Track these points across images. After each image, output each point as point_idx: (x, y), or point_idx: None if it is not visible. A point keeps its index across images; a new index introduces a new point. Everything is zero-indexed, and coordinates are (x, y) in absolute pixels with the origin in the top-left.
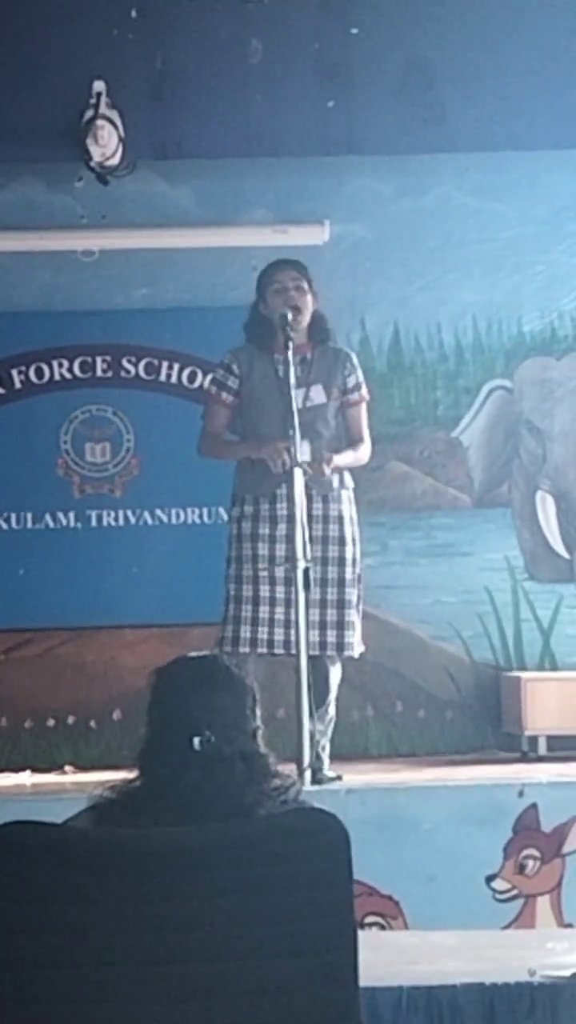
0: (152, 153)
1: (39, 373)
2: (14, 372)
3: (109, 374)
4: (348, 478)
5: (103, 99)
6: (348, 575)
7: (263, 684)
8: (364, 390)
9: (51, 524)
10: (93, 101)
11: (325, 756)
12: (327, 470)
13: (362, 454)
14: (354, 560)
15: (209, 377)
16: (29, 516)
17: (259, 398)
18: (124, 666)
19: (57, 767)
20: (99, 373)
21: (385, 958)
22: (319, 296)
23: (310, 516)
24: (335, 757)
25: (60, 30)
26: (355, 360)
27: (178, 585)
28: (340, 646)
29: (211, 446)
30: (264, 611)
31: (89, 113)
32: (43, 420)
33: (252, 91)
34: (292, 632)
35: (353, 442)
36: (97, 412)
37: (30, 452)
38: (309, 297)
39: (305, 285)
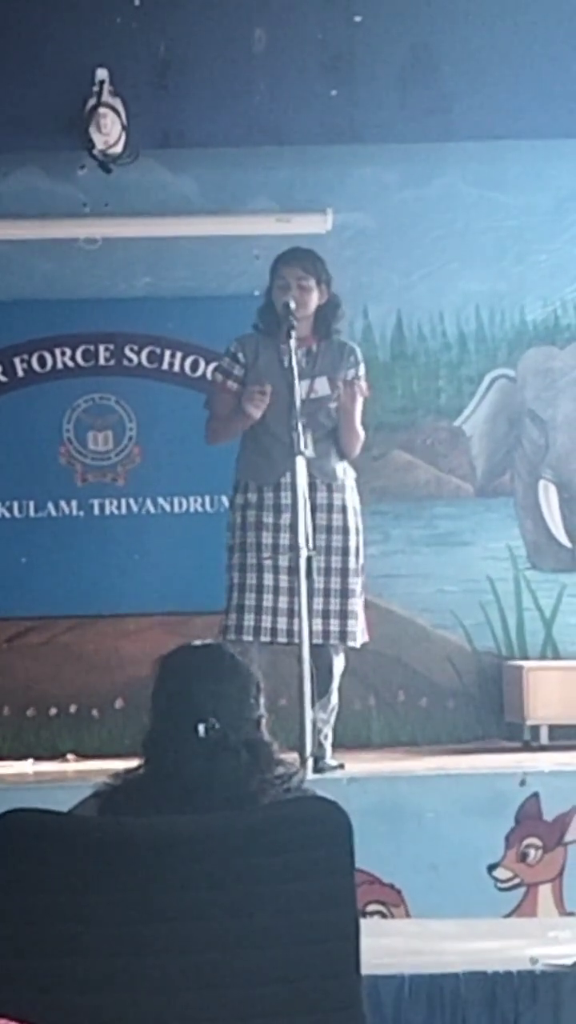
0: (155, 141)
1: (41, 361)
2: (16, 360)
3: (112, 362)
4: (350, 468)
5: (106, 87)
6: (351, 564)
7: (266, 673)
8: (363, 384)
9: (53, 512)
10: (96, 89)
11: (327, 745)
12: (361, 393)
13: (359, 444)
14: (357, 550)
15: (213, 365)
16: (31, 504)
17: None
18: (126, 655)
19: (59, 755)
20: (102, 361)
21: (387, 946)
22: (330, 285)
23: (314, 505)
24: (337, 746)
25: (63, 18)
26: (359, 355)
27: (181, 573)
28: (343, 635)
29: (217, 433)
30: (268, 599)
31: (92, 101)
32: (45, 408)
33: (255, 80)
34: (295, 621)
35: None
36: (100, 400)
37: (32, 440)
38: (313, 294)
39: (311, 282)
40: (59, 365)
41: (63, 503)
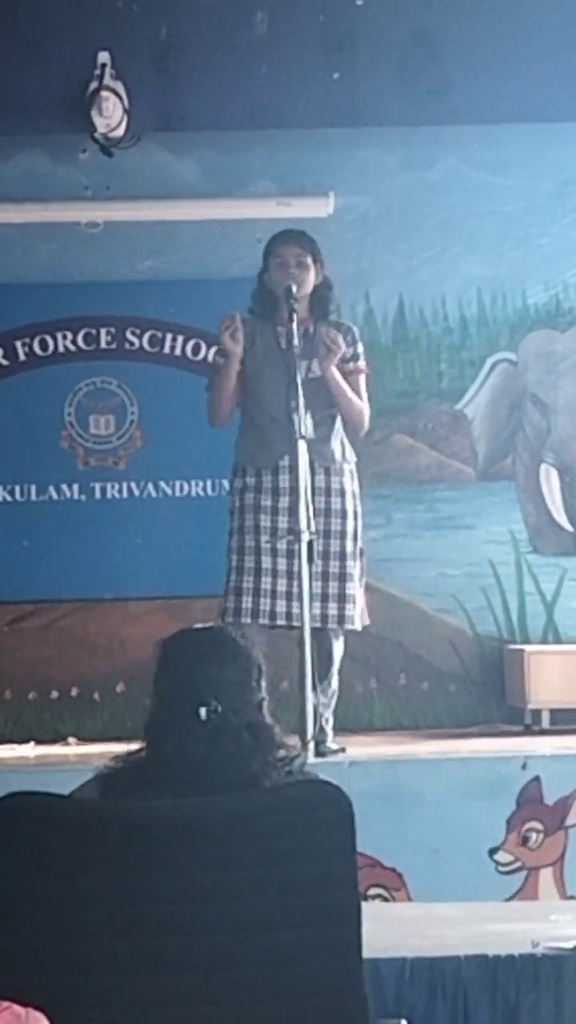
0: (157, 125)
1: (43, 345)
2: (18, 344)
3: (113, 346)
4: (350, 452)
5: (108, 70)
6: (349, 548)
7: (266, 656)
8: (363, 362)
9: (55, 496)
10: (98, 72)
11: (329, 728)
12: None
13: (362, 415)
14: (355, 533)
15: (215, 348)
16: (33, 488)
17: (262, 369)
18: (128, 638)
19: (61, 739)
20: (103, 345)
21: (388, 930)
22: (325, 267)
23: (312, 489)
24: (339, 729)
25: (65, 1)
26: (356, 333)
27: (182, 557)
28: (341, 619)
29: (217, 404)
30: (266, 582)
31: (94, 84)
32: (47, 392)
33: (257, 63)
34: (294, 604)
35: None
36: (101, 384)
37: (34, 424)
38: (311, 272)
39: (308, 260)
40: (60, 349)
41: (64, 487)
